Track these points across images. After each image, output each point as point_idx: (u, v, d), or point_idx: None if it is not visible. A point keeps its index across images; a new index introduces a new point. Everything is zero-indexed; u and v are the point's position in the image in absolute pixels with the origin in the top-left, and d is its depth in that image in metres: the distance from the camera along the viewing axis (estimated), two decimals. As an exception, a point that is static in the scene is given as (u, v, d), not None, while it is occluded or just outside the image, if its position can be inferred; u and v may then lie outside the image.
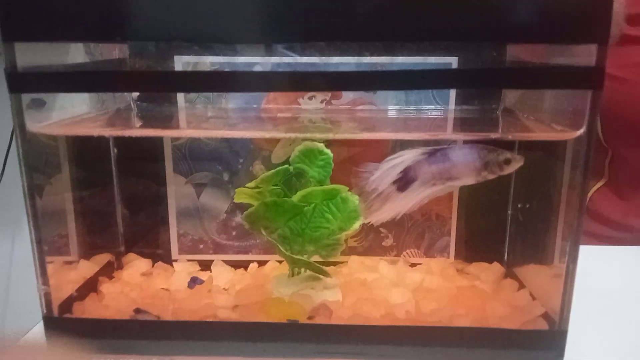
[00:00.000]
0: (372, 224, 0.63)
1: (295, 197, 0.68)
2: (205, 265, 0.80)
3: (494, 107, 0.78)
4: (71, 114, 0.69)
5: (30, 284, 0.63)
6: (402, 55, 0.76)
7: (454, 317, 0.63)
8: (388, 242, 0.82)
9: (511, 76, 0.59)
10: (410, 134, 0.75)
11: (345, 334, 0.61)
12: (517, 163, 0.58)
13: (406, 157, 0.59)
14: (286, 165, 0.69)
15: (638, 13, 1.13)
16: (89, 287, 0.72)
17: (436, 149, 0.59)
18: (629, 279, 0.85)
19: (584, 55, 0.55)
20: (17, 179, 0.60)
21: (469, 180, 0.59)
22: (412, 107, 0.80)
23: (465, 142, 0.60)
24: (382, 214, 0.60)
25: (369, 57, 0.77)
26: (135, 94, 0.80)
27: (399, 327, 0.62)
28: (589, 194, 1.20)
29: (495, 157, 0.57)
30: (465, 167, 0.58)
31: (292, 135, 0.70)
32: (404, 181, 0.59)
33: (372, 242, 0.83)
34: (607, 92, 0.54)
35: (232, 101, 0.81)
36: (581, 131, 0.56)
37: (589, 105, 0.55)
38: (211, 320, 0.63)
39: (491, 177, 0.58)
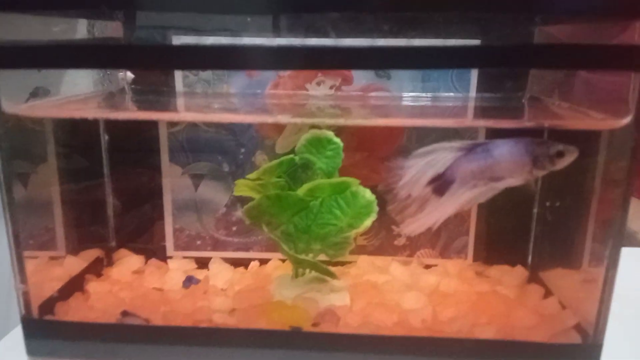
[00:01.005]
0: (379, 220, 0.57)
1: (301, 191, 0.61)
2: (203, 263, 0.74)
3: (519, 94, 0.71)
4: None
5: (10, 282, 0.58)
6: (420, 37, 0.69)
7: (475, 326, 0.57)
8: (401, 240, 0.76)
9: (545, 54, 0.51)
10: (430, 120, 0.68)
11: (354, 343, 0.55)
12: (571, 156, 0.51)
13: (441, 155, 0.52)
14: (291, 155, 0.62)
15: None
16: (75, 285, 0.66)
17: (476, 144, 0.52)
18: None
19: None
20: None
21: (517, 180, 0.52)
22: (429, 95, 0.73)
23: (508, 135, 0.53)
24: (419, 222, 0.54)
25: (383, 40, 0.71)
26: (130, 77, 0.73)
27: (415, 337, 0.55)
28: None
29: (545, 150, 0.51)
30: (510, 164, 0.51)
31: (298, 120, 0.63)
32: (440, 182, 0.52)
33: (383, 240, 0.76)
34: None
35: (234, 86, 0.74)
36: (628, 119, 0.49)
37: (637, 90, 0.48)
38: (205, 325, 0.57)
39: (542, 173, 0.52)
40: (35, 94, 0.63)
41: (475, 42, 0.69)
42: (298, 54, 0.53)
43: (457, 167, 0.52)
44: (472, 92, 0.72)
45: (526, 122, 0.56)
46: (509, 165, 0.51)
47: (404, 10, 0.49)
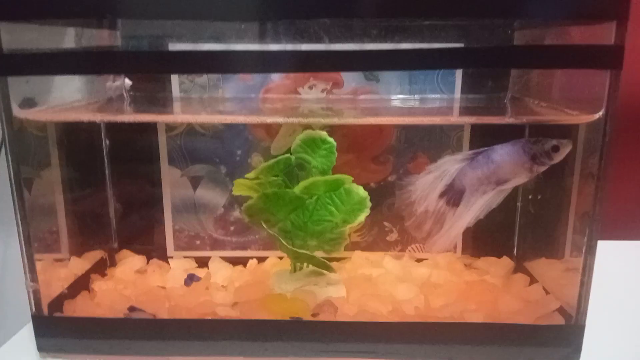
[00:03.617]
0: (371, 217, 0.61)
1: (297, 188, 0.64)
2: (202, 262, 0.77)
3: (501, 95, 0.75)
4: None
5: (20, 283, 0.60)
6: (406, 42, 0.73)
7: (464, 312, 0.60)
8: (392, 236, 0.79)
9: (525, 55, 0.55)
10: (419, 118, 0.72)
11: (353, 331, 0.58)
12: (566, 148, 0.55)
13: (446, 167, 0.56)
14: (287, 155, 0.66)
15: None
16: (81, 285, 0.68)
17: (476, 152, 0.57)
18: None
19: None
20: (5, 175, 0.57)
21: (521, 179, 0.56)
22: (416, 96, 0.77)
23: (493, 132, 0.57)
24: (444, 239, 0.58)
25: (371, 44, 0.74)
26: (128, 84, 0.76)
27: (409, 323, 0.59)
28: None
29: (541, 147, 0.55)
30: (511, 165, 0.55)
31: (294, 120, 0.66)
32: (451, 194, 0.56)
33: (375, 236, 0.79)
34: None
35: (229, 90, 0.78)
36: (599, 114, 0.53)
37: (607, 86, 0.52)
38: (210, 318, 0.60)
39: (542, 169, 0.56)
40: (22, 106, 0.65)
41: (459, 45, 0.73)
42: (291, 57, 0.56)
43: (464, 176, 0.56)
44: (457, 94, 0.76)
45: (508, 119, 0.60)
46: (510, 167, 0.55)
47: (390, 17, 0.52)
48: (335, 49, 0.72)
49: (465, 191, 0.56)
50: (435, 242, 0.58)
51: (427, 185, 0.57)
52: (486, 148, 0.57)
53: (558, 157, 0.55)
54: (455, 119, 0.68)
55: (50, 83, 0.65)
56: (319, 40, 0.70)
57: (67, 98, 0.67)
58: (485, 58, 0.54)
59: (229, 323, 0.59)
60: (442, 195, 0.57)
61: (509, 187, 0.56)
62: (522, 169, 0.55)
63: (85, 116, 0.62)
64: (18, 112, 0.55)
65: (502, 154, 0.55)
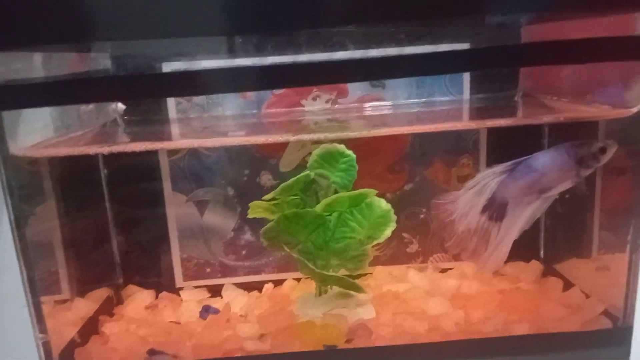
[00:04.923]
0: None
1: (319, 207, 0.60)
2: (215, 291, 0.72)
3: (512, 93, 0.73)
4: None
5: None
6: (411, 45, 0.71)
7: (508, 324, 0.57)
8: (413, 247, 0.76)
9: (551, 50, 0.52)
10: (439, 125, 0.68)
11: (395, 355, 0.54)
12: (612, 148, 0.52)
13: (486, 181, 0.53)
14: (307, 172, 0.62)
15: None
16: (90, 328, 0.63)
17: (516, 163, 0.54)
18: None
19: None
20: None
21: (566, 184, 0.53)
22: (425, 100, 0.74)
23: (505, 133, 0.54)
24: (496, 257, 0.54)
25: (376, 50, 0.71)
26: (121, 108, 0.71)
27: (455, 342, 0.55)
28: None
29: (587, 150, 0.52)
30: (556, 172, 0.52)
31: (313, 136, 0.62)
32: (494, 208, 0.53)
33: (395, 249, 0.76)
34: None
35: (229, 108, 0.73)
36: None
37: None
38: (240, 355, 0.55)
39: (588, 172, 0.53)
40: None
41: (464, 45, 0.70)
42: (292, 72, 0.52)
43: (505, 188, 0.53)
44: (466, 95, 0.74)
45: (547, 117, 0.58)
46: (555, 174, 0.52)
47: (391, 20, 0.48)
48: (337, 58, 0.69)
49: (508, 204, 0.53)
50: (486, 261, 0.55)
51: (467, 202, 0.54)
52: (525, 157, 0.54)
53: (605, 159, 0.53)
54: (498, 121, 0.63)
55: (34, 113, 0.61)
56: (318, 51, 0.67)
57: (55, 128, 0.62)
58: (505, 56, 0.51)
59: (263, 359, 0.55)
60: (484, 210, 0.54)
61: (554, 194, 0.53)
62: (567, 174, 0.53)
63: (91, 149, 0.57)
64: (16, 150, 0.50)
65: (545, 161, 0.53)
